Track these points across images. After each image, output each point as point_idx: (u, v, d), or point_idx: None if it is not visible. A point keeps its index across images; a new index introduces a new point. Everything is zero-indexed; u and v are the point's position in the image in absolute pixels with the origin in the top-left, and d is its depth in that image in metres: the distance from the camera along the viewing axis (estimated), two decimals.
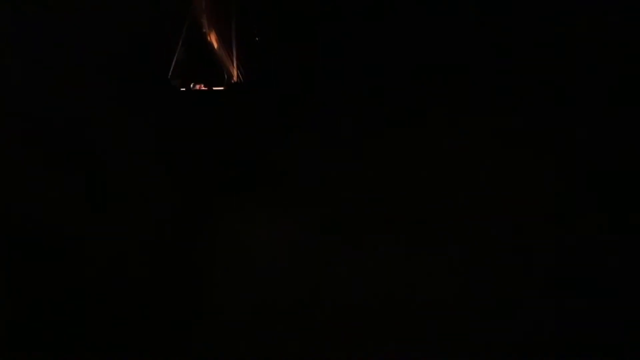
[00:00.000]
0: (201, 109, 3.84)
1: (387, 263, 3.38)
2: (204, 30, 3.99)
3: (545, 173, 3.52)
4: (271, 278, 3.36)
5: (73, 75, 3.61)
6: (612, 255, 3.38)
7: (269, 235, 3.44)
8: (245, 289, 3.36)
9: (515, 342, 3.23)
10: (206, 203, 3.54)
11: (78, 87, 3.58)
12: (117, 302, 3.32)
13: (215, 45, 3.99)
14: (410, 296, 3.28)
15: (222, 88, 3.98)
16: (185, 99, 3.95)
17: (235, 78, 3.96)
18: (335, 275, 3.38)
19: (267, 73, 3.83)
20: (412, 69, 3.68)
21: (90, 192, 3.50)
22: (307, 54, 3.72)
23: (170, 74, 3.87)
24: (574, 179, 3.49)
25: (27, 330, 3.30)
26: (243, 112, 3.73)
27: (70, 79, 3.60)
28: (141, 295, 3.34)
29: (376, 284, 3.34)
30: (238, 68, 3.94)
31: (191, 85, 3.99)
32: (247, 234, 3.46)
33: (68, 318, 3.31)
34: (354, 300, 3.31)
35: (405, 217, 3.45)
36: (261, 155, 3.62)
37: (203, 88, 4.00)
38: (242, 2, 3.90)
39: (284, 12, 3.76)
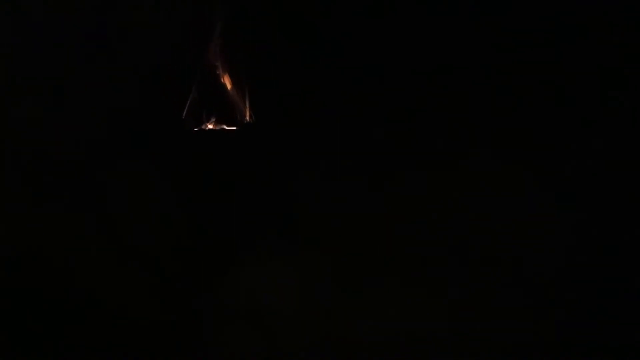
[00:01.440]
0: (215, 148, 3.90)
1: (401, 304, 3.38)
2: (218, 72, 4.07)
3: (544, 173, 3.53)
4: (281, 320, 3.36)
5: (86, 115, 3.66)
6: (614, 256, 3.38)
7: (279, 277, 3.45)
8: (254, 334, 3.34)
9: None
10: (217, 246, 3.56)
11: (91, 127, 3.64)
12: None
13: (229, 86, 4.05)
14: (427, 339, 3.27)
15: (234, 128, 4.05)
16: (199, 138, 3.98)
17: (247, 118, 4.03)
18: (346, 317, 3.37)
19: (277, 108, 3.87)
20: (412, 68, 3.68)
21: (100, 230, 3.51)
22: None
23: (184, 114, 3.92)
24: (573, 179, 3.50)
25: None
26: (254, 151, 3.79)
27: (83, 118, 3.65)
28: (145, 340, 3.33)
29: (390, 326, 3.32)
30: (250, 108, 4.01)
31: (204, 125, 4.07)
32: (258, 277, 3.46)
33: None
34: (365, 343, 3.29)
35: (418, 253, 3.47)
36: (273, 195, 3.66)
37: (216, 128, 4.07)
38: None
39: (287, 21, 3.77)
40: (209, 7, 3.91)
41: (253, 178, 3.69)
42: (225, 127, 4.11)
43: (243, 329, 3.35)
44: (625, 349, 3.23)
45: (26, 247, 3.47)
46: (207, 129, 4.06)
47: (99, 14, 3.72)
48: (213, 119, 4.11)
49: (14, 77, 3.67)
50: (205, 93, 4.01)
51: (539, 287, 3.36)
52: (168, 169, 3.65)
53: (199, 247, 3.55)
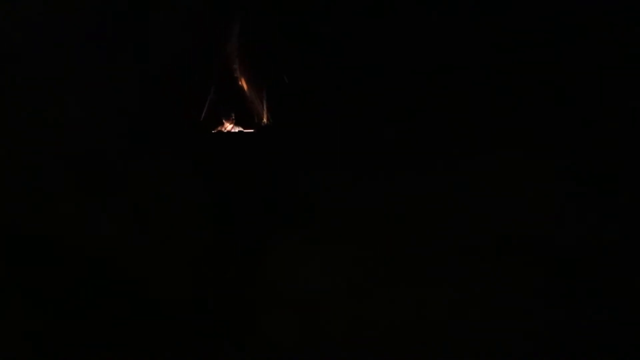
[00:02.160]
0: (233, 149, 3.96)
1: (407, 299, 3.37)
2: (236, 75, 4.13)
3: (545, 174, 3.53)
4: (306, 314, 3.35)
5: (104, 115, 3.68)
6: (613, 256, 3.38)
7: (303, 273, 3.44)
8: (279, 329, 3.32)
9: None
10: (240, 243, 3.55)
11: (108, 127, 3.66)
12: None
13: (246, 88, 4.13)
14: (452, 331, 3.25)
15: (252, 130, 4.13)
16: (217, 140, 4.05)
17: (265, 120, 4.10)
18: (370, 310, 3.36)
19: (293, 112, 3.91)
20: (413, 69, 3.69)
21: (128, 231, 3.51)
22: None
23: (202, 116, 3.99)
24: (573, 179, 3.50)
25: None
26: (271, 152, 3.84)
27: (100, 119, 3.66)
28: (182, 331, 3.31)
29: (414, 319, 3.30)
30: (268, 111, 4.09)
31: (223, 127, 4.14)
32: (281, 272, 3.45)
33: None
34: (389, 337, 3.26)
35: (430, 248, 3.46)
36: (290, 193, 3.67)
37: (234, 130, 4.15)
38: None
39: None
40: (226, 9, 3.94)
41: (270, 177, 3.71)
42: (243, 128, 4.18)
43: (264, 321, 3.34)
44: (625, 349, 3.22)
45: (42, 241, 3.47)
46: (225, 130, 4.14)
47: (118, 15, 3.75)
48: (231, 121, 4.18)
49: (38, 75, 3.69)
50: (223, 95, 4.09)
51: (542, 286, 3.36)
52: (186, 169, 3.66)
53: (216, 245, 3.54)
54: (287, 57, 3.78)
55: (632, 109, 3.51)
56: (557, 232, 3.44)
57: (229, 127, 4.16)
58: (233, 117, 4.16)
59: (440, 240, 3.44)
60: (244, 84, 4.12)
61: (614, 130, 3.51)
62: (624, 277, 3.34)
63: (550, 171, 3.51)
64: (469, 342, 3.19)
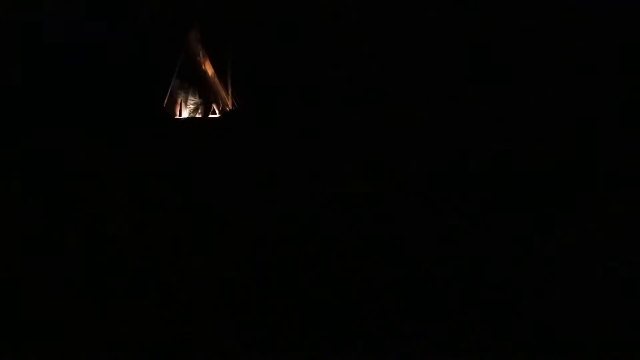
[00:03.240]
0: (196, 136, 3.90)
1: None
2: (199, 58, 4.05)
3: (545, 173, 3.52)
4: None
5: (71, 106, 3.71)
6: (612, 259, 3.33)
7: None
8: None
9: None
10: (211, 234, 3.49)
11: (71, 116, 3.68)
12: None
13: (210, 73, 4.02)
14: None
15: (216, 116, 4.05)
16: (179, 126, 4.00)
17: (229, 106, 4.00)
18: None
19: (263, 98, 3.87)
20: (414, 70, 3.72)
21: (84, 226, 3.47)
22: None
23: (165, 102, 3.90)
24: (573, 178, 3.49)
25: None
26: (238, 139, 3.79)
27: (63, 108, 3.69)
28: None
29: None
30: (232, 96, 3.98)
31: (186, 113, 4.08)
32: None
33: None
34: None
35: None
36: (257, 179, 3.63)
37: (197, 116, 4.07)
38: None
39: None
40: None
41: (236, 163, 3.66)
42: (206, 114, 4.14)
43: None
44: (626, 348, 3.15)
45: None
46: (188, 117, 4.10)
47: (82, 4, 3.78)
48: (194, 107, 4.13)
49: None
50: (186, 81, 4.04)
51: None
52: (148, 156, 3.61)
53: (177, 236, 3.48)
54: (252, 42, 3.77)
55: (631, 108, 3.51)
56: (558, 231, 3.41)
57: (192, 113, 4.10)
58: (196, 103, 4.10)
59: (436, 239, 3.42)
60: (207, 69, 4.03)
61: (614, 130, 3.50)
62: (626, 277, 3.28)
63: (550, 170, 3.51)
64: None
